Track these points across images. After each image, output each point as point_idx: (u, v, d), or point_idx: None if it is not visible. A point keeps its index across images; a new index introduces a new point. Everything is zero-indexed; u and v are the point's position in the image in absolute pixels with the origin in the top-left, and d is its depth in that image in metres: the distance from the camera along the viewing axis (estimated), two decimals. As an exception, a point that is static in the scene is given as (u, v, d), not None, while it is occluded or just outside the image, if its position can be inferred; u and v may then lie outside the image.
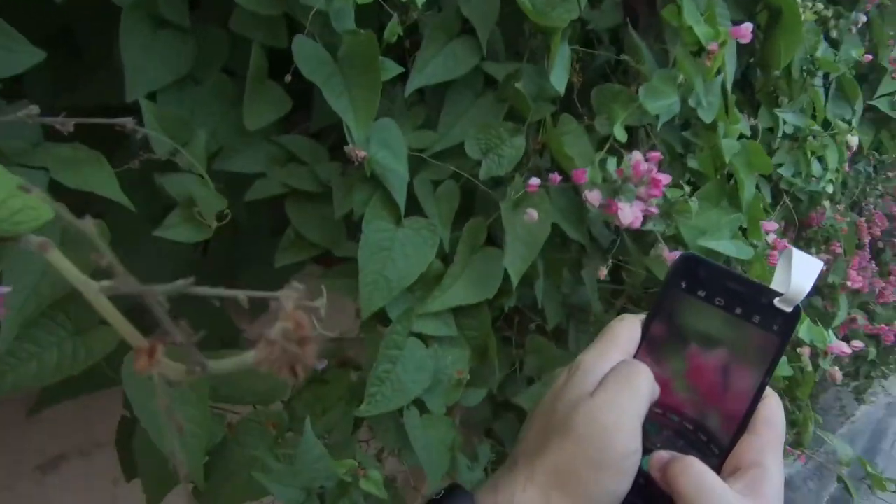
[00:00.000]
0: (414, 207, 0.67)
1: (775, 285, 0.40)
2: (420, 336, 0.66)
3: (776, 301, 0.39)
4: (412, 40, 0.72)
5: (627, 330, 0.42)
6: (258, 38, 0.62)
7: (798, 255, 0.40)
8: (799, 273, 0.38)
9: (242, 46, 0.64)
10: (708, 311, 0.40)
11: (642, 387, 0.38)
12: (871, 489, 0.90)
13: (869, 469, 0.89)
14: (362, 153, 0.56)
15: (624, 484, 0.36)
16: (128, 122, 0.38)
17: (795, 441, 0.94)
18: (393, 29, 0.58)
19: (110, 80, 0.67)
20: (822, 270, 0.40)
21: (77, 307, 0.55)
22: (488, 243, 0.74)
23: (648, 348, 0.42)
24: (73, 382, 0.58)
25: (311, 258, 0.72)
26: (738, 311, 0.40)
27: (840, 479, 0.89)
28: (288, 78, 0.55)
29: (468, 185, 0.74)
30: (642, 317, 0.43)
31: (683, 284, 0.41)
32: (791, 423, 0.93)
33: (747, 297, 0.39)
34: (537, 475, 0.37)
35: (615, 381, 0.38)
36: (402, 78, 0.65)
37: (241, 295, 0.24)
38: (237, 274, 0.91)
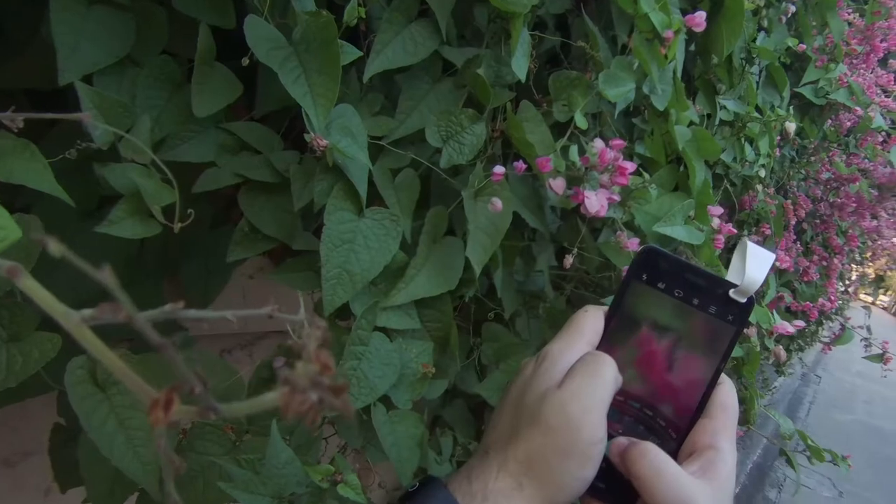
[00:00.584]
0: (372, 197, 0.65)
1: (730, 276, 0.41)
2: (384, 330, 0.64)
3: (731, 292, 0.40)
4: (365, 23, 0.69)
5: (591, 321, 0.43)
6: (204, 18, 0.58)
7: (752, 248, 0.41)
8: (753, 265, 0.40)
9: (185, 26, 0.59)
10: (667, 302, 0.42)
11: (607, 378, 0.39)
12: (810, 461, 0.96)
13: (809, 442, 0.94)
14: (324, 142, 0.54)
15: (590, 470, 0.38)
16: (84, 117, 0.34)
17: (742, 418, 0.98)
18: (353, 10, 0.55)
19: (37, 61, 0.61)
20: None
21: (11, 312, 0.51)
22: (446, 233, 0.72)
23: (611, 338, 0.43)
24: (5, 389, 0.53)
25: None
26: (696, 301, 0.41)
27: (783, 454, 0.94)
28: (246, 61, 0.51)
29: (424, 174, 0.72)
30: (605, 308, 0.44)
31: (644, 276, 0.42)
32: (738, 400, 0.97)
33: (704, 288, 0.41)
34: (509, 463, 0.38)
35: (581, 373, 0.40)
36: (356, 63, 0.63)
37: (230, 315, 0.21)
38: (177, 268, 0.86)
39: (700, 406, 0.41)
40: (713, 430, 0.40)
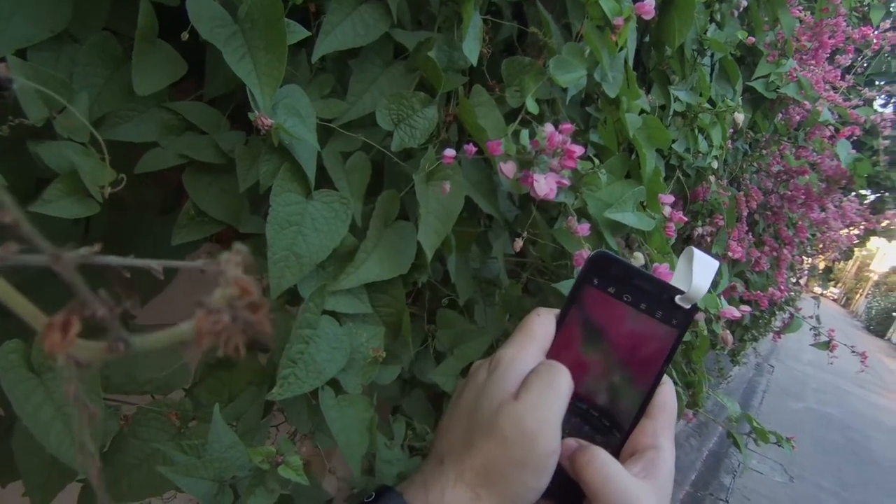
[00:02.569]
0: (323, 181, 0.64)
1: (676, 283, 0.43)
2: (333, 314, 0.63)
3: (677, 298, 0.42)
4: (316, 4, 0.68)
5: (543, 324, 0.44)
6: (146, -7, 0.56)
7: (698, 256, 0.42)
8: (699, 273, 0.41)
9: (126, 2, 0.57)
10: (616, 307, 0.43)
11: (563, 389, 0.40)
12: (756, 443, 0.99)
13: (755, 424, 0.97)
14: (269, 121, 0.53)
15: (545, 479, 0.39)
16: (1, 72, 0.32)
17: (691, 401, 1.01)
18: (300, -12, 0.54)
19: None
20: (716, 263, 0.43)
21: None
22: (398, 217, 0.72)
23: (562, 341, 0.44)
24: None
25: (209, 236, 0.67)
26: (643, 306, 0.43)
27: (730, 436, 0.96)
28: (185, 35, 0.50)
29: (375, 158, 0.72)
30: (556, 311, 0.45)
31: (595, 281, 0.43)
32: (687, 384, 1.00)
33: (652, 293, 0.42)
34: (466, 474, 0.39)
35: (538, 385, 0.40)
36: (305, 44, 0.62)
37: (155, 265, 0.21)
38: (125, 255, 0.84)
39: (643, 406, 0.43)
40: (654, 431, 0.42)
